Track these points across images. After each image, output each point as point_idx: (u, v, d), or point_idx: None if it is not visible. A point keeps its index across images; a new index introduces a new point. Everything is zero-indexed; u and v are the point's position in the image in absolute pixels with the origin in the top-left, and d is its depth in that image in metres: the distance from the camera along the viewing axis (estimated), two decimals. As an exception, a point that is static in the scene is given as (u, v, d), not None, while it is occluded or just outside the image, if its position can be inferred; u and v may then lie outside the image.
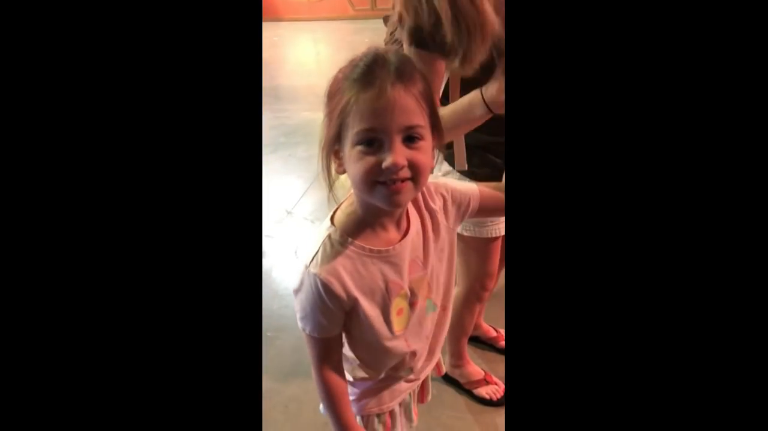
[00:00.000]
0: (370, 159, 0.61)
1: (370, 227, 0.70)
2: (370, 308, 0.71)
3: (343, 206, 0.72)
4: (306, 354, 0.78)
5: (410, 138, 0.61)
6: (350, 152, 0.62)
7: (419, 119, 0.62)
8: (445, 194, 0.79)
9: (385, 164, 0.60)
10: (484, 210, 0.84)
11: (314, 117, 3.67)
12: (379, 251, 0.69)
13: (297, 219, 2.40)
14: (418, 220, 0.76)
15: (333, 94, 0.64)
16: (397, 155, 0.60)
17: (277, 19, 6.93)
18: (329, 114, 0.64)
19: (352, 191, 0.69)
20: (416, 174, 0.63)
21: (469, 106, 0.90)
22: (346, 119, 0.61)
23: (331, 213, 0.72)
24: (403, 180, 0.62)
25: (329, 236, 0.69)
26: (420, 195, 0.78)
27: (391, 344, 0.75)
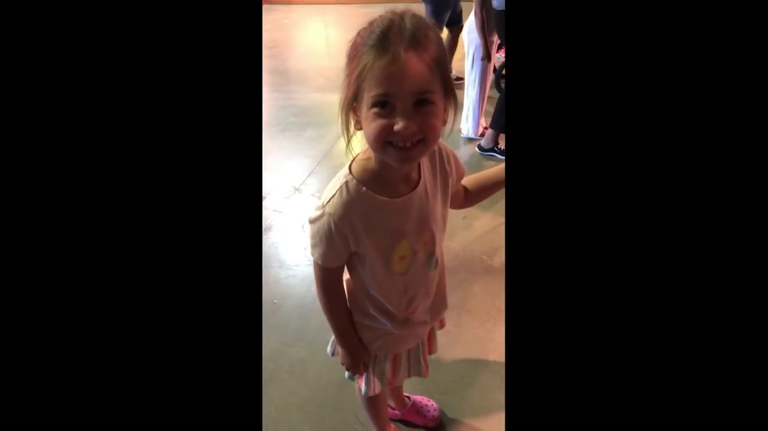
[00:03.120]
0: (383, 122, 0.65)
1: (381, 178, 0.76)
2: (373, 251, 0.79)
3: (359, 157, 0.78)
4: (309, 320, 0.85)
5: (421, 102, 0.66)
6: (366, 113, 0.67)
7: (430, 84, 0.66)
8: (453, 162, 0.86)
9: (396, 128, 0.65)
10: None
11: (323, 98, 3.71)
12: (388, 201, 0.77)
13: (305, 196, 2.46)
14: (431, 177, 0.83)
15: (351, 57, 0.68)
16: (408, 119, 0.65)
17: (288, 2, 6.93)
18: (348, 76, 0.69)
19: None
20: (426, 136, 0.68)
21: None
22: (363, 83, 0.66)
23: (350, 162, 0.79)
24: (413, 144, 0.67)
25: (346, 183, 0.76)
26: (438, 155, 0.84)
27: (390, 283, 0.84)
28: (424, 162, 0.81)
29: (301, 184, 2.55)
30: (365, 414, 1.20)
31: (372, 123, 0.66)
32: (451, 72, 3.84)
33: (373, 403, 1.11)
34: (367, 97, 0.66)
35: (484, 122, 2.98)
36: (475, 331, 1.61)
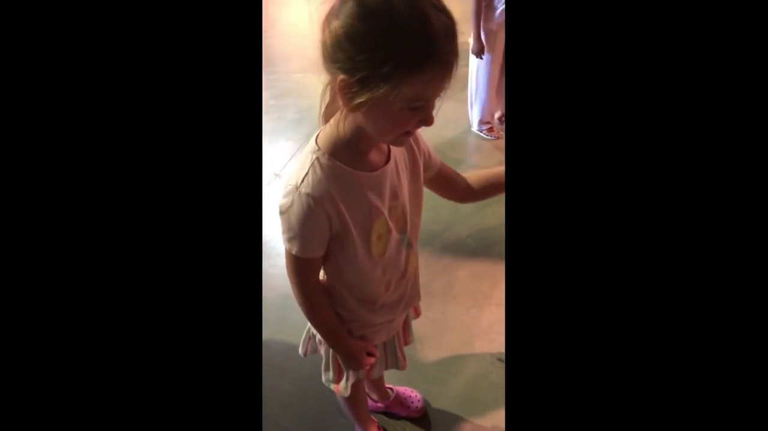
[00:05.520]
0: (413, 119, 0.64)
1: (356, 151, 0.71)
2: (354, 229, 0.73)
3: (327, 130, 0.71)
4: (290, 312, 0.82)
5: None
6: (393, 108, 0.61)
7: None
8: (420, 141, 0.82)
9: (425, 125, 0.65)
10: (434, 183, 0.88)
11: (305, 79, 3.60)
12: (365, 175, 0.72)
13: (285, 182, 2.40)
14: (399, 152, 0.78)
15: (365, 36, 0.58)
16: (432, 114, 0.64)
17: (268, -22, 6.71)
18: (365, 52, 0.58)
19: (338, 114, 0.69)
20: None
21: None
22: (390, 74, 0.58)
23: (315, 136, 0.72)
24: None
25: (318, 159, 0.69)
26: None
27: (369, 266, 0.79)
28: None
29: (281, 169, 2.48)
30: (345, 410, 1.17)
31: (397, 117, 0.63)
32: None
33: (351, 398, 1.07)
34: (396, 94, 0.59)
35: (487, 117, 2.68)
36: (461, 317, 1.58)
